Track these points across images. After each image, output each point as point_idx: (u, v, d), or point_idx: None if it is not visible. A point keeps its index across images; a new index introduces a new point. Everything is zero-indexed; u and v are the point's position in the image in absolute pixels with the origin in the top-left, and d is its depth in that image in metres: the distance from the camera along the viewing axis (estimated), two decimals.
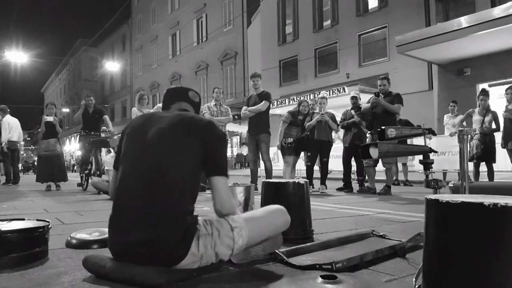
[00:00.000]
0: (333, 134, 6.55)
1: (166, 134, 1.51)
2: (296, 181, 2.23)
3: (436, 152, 2.54)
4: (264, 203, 2.15)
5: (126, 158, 1.57)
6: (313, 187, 6.32)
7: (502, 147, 6.26)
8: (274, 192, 2.25)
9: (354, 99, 6.53)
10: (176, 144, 1.49)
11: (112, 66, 31.15)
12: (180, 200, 1.45)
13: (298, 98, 15.05)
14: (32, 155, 27.58)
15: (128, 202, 1.48)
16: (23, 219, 1.93)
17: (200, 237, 1.43)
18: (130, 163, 1.55)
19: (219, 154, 1.55)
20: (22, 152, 8.96)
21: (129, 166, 1.54)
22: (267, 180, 2.38)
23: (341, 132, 6.81)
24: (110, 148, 6.87)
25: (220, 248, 1.47)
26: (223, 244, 1.47)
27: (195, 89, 1.84)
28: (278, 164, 6.39)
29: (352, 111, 6.42)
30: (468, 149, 2.13)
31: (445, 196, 1.06)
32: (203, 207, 3.59)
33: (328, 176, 6.55)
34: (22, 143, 9.15)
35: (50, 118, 6.98)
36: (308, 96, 14.81)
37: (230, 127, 15.06)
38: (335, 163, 7.67)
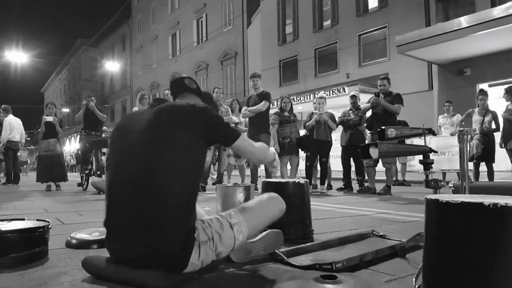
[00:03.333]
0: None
1: (147, 135, 1.40)
2: (296, 181, 2.23)
3: (436, 152, 2.54)
4: None
5: (111, 163, 1.50)
6: (312, 187, 6.32)
7: (501, 147, 6.26)
8: (274, 192, 2.25)
9: (354, 98, 6.52)
10: (160, 146, 1.37)
11: (112, 66, 31.13)
12: (173, 208, 1.35)
13: (298, 98, 15.12)
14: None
15: (119, 213, 1.41)
16: (23, 219, 1.93)
17: (200, 245, 1.38)
18: (115, 169, 1.48)
19: (221, 126, 1.50)
20: (19, 153, 8.92)
21: (115, 173, 1.47)
22: (267, 180, 2.38)
23: (338, 132, 6.78)
24: (105, 150, 6.84)
25: (222, 249, 1.46)
26: (224, 245, 1.46)
27: (190, 76, 1.78)
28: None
29: (351, 111, 6.42)
30: (468, 149, 2.13)
31: (445, 196, 1.06)
32: (203, 207, 3.59)
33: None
34: (23, 141, 9.13)
35: (50, 118, 6.98)
36: (308, 96, 14.85)
37: None
38: (335, 163, 7.67)
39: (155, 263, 1.35)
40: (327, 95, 8.57)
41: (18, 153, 9.06)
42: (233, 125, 6.46)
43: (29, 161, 24.25)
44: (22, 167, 18.99)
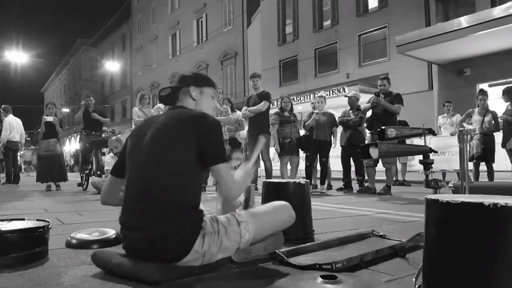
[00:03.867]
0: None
1: (160, 132, 1.54)
2: (297, 181, 2.23)
3: (436, 152, 2.53)
4: (264, 203, 2.15)
5: (128, 162, 1.61)
6: (312, 187, 6.32)
7: (502, 147, 6.26)
8: (274, 192, 2.25)
9: (349, 99, 6.50)
10: (170, 141, 1.51)
11: (112, 66, 31.09)
12: (180, 196, 1.46)
13: (298, 98, 15.11)
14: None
15: (132, 201, 1.52)
16: (23, 219, 1.93)
17: (205, 235, 1.45)
18: (130, 165, 1.59)
19: (214, 143, 1.54)
20: (21, 152, 8.93)
21: (130, 168, 1.59)
22: (268, 180, 2.38)
23: (338, 132, 6.78)
24: (105, 150, 6.85)
25: (227, 244, 1.49)
26: (230, 240, 1.49)
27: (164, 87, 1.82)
28: (278, 164, 6.40)
29: (351, 111, 6.41)
30: (468, 149, 2.13)
31: (445, 196, 1.06)
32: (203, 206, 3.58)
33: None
34: (23, 141, 9.14)
35: (50, 118, 6.98)
36: (308, 96, 14.84)
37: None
38: (334, 163, 7.67)
39: (160, 247, 1.41)
40: (327, 95, 8.58)
41: (21, 152, 9.07)
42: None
43: (33, 161, 24.30)
44: (29, 167, 18.93)
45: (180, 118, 1.55)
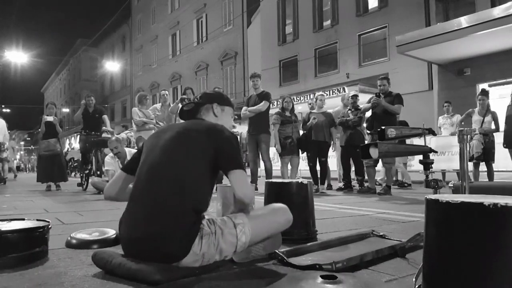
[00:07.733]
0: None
1: (179, 135, 1.62)
2: (299, 181, 2.23)
3: (436, 152, 2.53)
4: (267, 203, 2.16)
5: (142, 159, 1.67)
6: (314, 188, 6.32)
7: (504, 147, 6.25)
8: (277, 192, 2.25)
9: (354, 98, 6.47)
10: (186, 144, 1.58)
11: (112, 66, 31.12)
12: (185, 197, 1.48)
13: (298, 98, 15.11)
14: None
15: (135, 199, 1.56)
16: (23, 219, 1.93)
17: (203, 236, 1.47)
18: (143, 162, 1.64)
19: (231, 151, 1.60)
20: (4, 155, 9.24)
21: (142, 165, 1.64)
22: (271, 180, 2.39)
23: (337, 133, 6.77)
24: (106, 150, 6.85)
25: (223, 246, 1.50)
26: (226, 242, 1.51)
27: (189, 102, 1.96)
28: (278, 164, 6.40)
29: (350, 112, 6.40)
30: (468, 149, 2.13)
31: (445, 196, 1.06)
32: None
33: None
34: (7, 143, 9.27)
35: (50, 118, 6.98)
36: (308, 96, 14.84)
37: None
38: (331, 163, 7.66)
39: (158, 246, 1.43)
40: (327, 95, 8.57)
41: (4, 155, 9.20)
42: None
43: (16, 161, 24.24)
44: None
45: (201, 126, 1.66)
